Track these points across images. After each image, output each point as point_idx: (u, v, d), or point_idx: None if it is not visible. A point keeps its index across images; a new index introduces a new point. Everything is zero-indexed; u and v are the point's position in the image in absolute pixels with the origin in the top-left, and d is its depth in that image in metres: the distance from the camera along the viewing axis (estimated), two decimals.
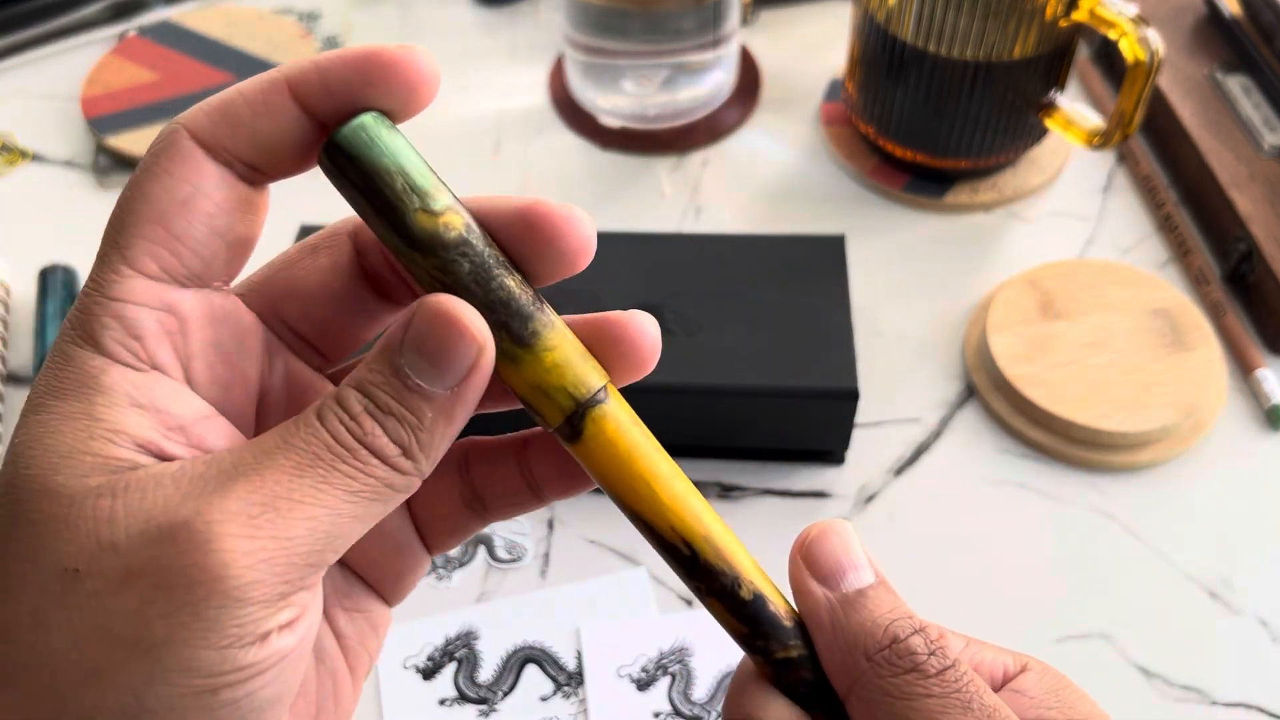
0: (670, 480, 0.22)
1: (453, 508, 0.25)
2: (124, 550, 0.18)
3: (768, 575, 0.23)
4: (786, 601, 0.23)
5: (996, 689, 0.23)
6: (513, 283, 0.21)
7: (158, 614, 0.18)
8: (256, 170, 0.21)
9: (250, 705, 0.19)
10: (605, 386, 0.22)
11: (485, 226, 0.21)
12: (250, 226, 0.21)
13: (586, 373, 0.22)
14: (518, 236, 0.22)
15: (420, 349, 0.20)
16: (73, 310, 0.21)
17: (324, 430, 0.20)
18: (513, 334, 0.21)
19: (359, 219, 0.23)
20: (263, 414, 0.23)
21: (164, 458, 0.20)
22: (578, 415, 0.22)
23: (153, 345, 0.20)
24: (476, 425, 0.23)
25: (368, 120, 0.20)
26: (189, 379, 0.21)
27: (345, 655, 0.25)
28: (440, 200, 0.20)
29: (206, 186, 0.20)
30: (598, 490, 0.23)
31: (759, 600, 0.23)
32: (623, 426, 0.22)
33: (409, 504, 0.25)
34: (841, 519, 0.24)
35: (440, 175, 0.21)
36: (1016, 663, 0.24)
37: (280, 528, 0.19)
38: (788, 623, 0.23)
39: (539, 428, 0.24)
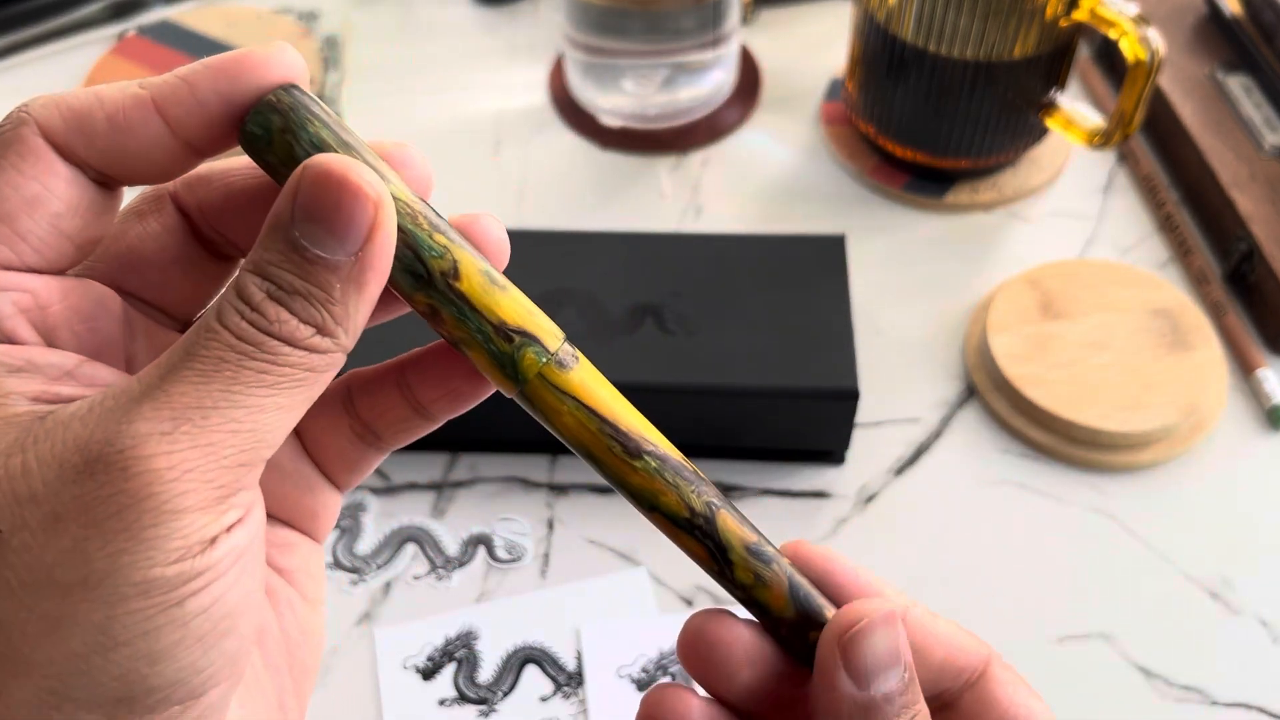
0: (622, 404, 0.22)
1: (346, 442, 0.25)
2: (44, 498, 0.18)
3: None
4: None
5: (956, 689, 0.24)
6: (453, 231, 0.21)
7: (96, 550, 0.18)
8: (108, 177, 0.20)
9: (221, 610, 0.19)
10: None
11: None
12: (101, 228, 0.21)
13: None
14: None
15: (313, 216, 0.19)
16: None
17: (225, 331, 0.19)
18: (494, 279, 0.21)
19: (174, 181, 0.22)
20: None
21: (60, 401, 0.19)
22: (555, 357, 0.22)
23: (10, 324, 0.20)
24: None
25: (272, 100, 0.20)
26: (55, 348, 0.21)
27: (294, 585, 0.25)
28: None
29: (56, 187, 0.20)
30: (600, 489, 0.23)
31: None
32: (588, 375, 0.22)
33: (303, 442, 0.25)
34: (891, 605, 0.22)
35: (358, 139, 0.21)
36: (978, 657, 0.24)
37: (199, 437, 0.18)
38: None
39: (414, 350, 0.24)
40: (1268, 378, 0.51)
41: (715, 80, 0.64)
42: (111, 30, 0.71)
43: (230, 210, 0.23)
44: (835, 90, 0.66)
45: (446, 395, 0.24)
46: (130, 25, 0.71)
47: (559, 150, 0.64)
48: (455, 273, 0.21)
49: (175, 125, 0.20)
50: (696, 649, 0.23)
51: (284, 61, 0.20)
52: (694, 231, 0.54)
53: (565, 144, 0.64)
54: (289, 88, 0.20)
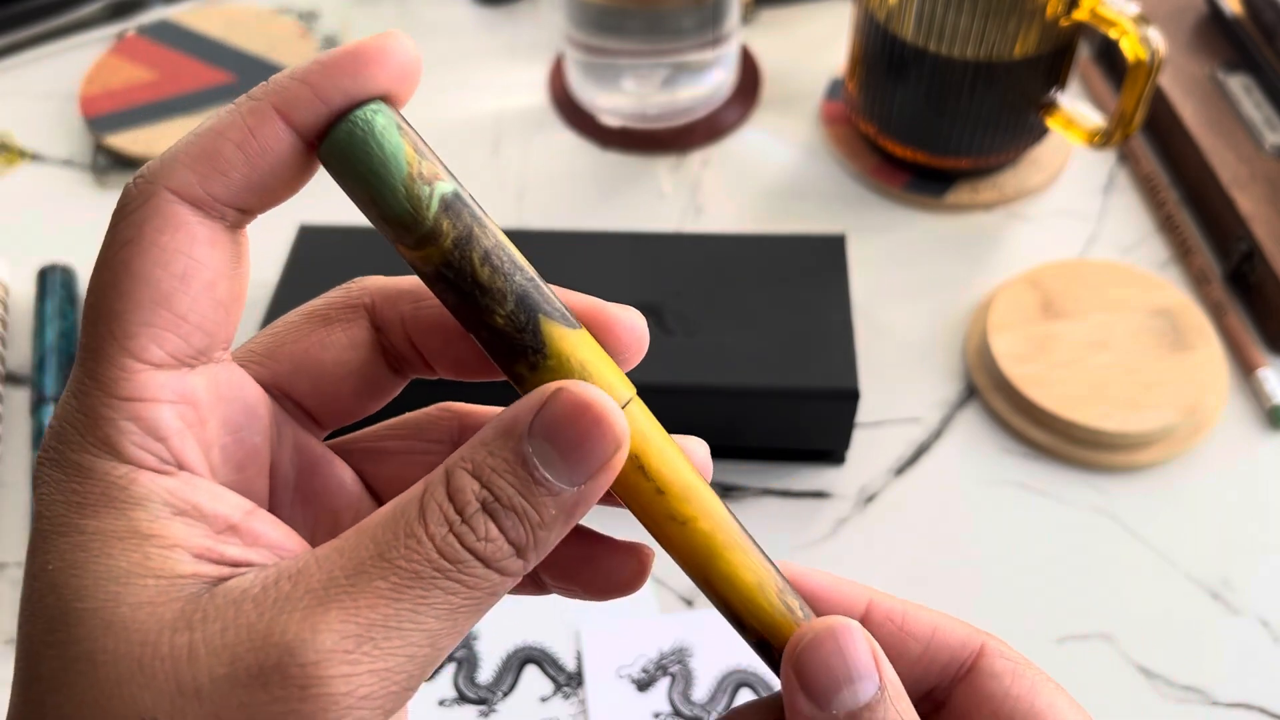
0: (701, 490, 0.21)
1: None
2: (209, 695, 0.16)
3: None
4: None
5: (946, 684, 0.22)
6: (534, 272, 0.20)
7: None
8: (247, 212, 0.19)
9: None
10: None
11: None
12: (241, 281, 0.20)
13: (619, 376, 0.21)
14: None
15: (554, 438, 0.18)
16: (72, 414, 0.18)
17: (427, 539, 0.18)
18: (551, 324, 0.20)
19: (372, 288, 0.22)
20: (274, 488, 0.22)
21: (224, 563, 0.18)
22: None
23: (178, 444, 0.18)
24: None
25: (361, 117, 0.19)
26: (210, 469, 0.19)
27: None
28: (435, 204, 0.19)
29: (201, 254, 0.18)
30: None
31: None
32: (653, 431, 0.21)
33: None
34: (845, 618, 0.21)
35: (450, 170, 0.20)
36: (966, 649, 0.22)
37: (378, 659, 0.17)
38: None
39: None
40: (1268, 378, 0.51)
41: (715, 80, 0.63)
42: (111, 30, 0.71)
43: (440, 329, 0.22)
44: (835, 90, 0.66)
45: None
46: (130, 25, 0.71)
47: (559, 150, 0.63)
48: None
49: (304, 131, 0.19)
50: None
51: (401, 51, 0.19)
52: (694, 231, 0.54)
53: (565, 144, 0.64)
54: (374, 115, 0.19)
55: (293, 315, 0.22)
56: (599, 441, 0.18)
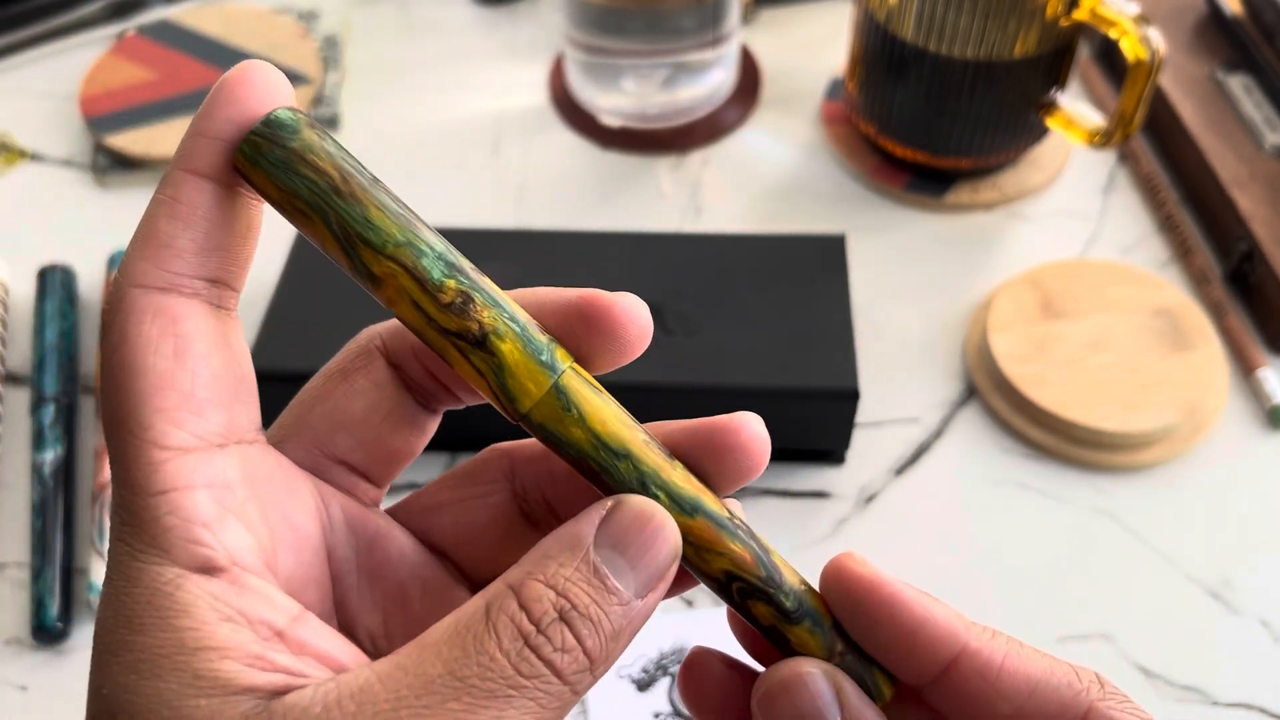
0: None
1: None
2: None
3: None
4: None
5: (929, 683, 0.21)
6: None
7: None
8: (219, 282, 0.19)
9: None
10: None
11: (539, 322, 0.21)
12: (244, 361, 0.20)
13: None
14: (575, 331, 0.21)
15: (621, 548, 0.19)
16: (118, 526, 0.18)
17: (500, 654, 0.17)
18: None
19: (379, 330, 0.22)
20: (334, 571, 0.21)
21: (277, 671, 0.17)
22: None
23: (220, 529, 0.18)
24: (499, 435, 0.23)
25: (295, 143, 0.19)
26: (263, 557, 0.19)
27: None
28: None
29: (186, 329, 0.19)
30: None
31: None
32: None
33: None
34: (816, 660, 0.21)
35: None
36: (947, 646, 0.21)
37: None
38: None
39: None
40: (1268, 378, 0.51)
41: (715, 80, 0.63)
42: (111, 30, 0.71)
43: None
44: (836, 90, 0.66)
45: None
46: (130, 25, 0.71)
47: (559, 150, 0.63)
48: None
49: (216, 175, 0.19)
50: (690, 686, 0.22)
51: (262, 71, 0.19)
52: (694, 231, 0.54)
53: (565, 144, 0.64)
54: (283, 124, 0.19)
55: (311, 382, 0.22)
56: (663, 549, 0.19)
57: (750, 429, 0.21)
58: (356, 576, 0.22)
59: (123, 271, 0.19)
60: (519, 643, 0.17)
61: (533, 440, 0.23)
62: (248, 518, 0.19)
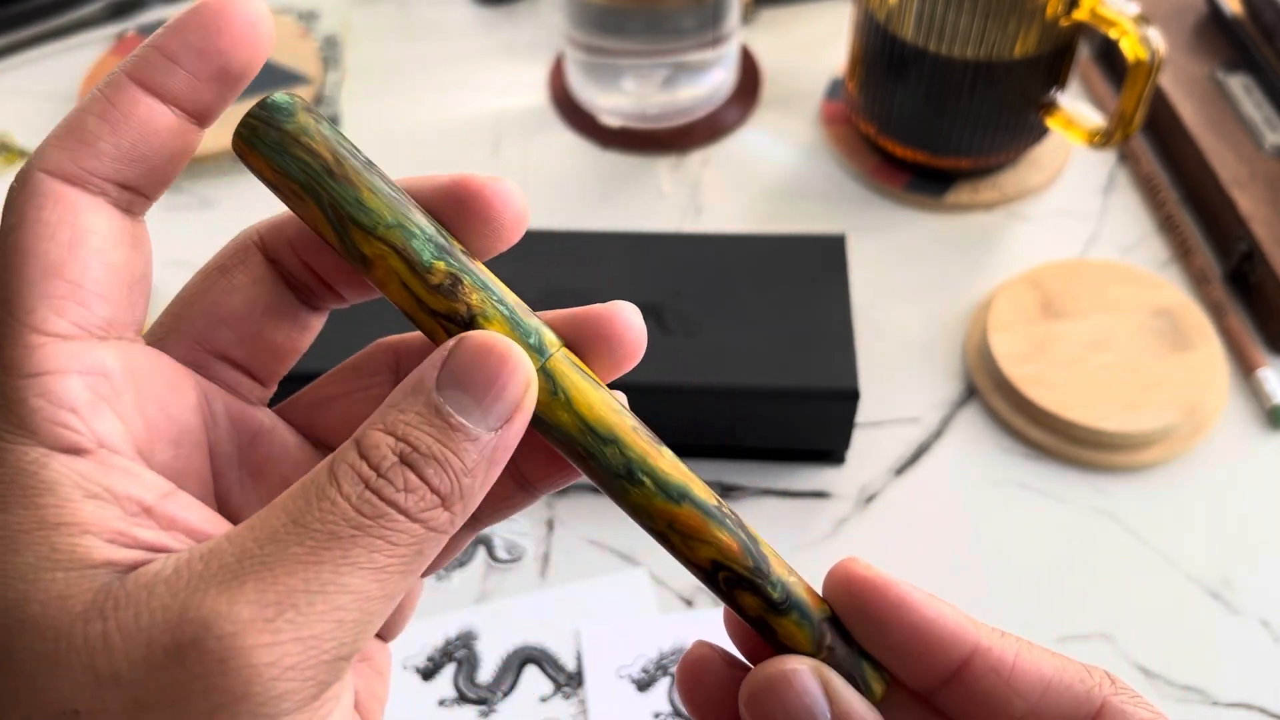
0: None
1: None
2: (128, 681, 0.16)
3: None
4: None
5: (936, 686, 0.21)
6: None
7: None
8: (130, 188, 0.19)
9: None
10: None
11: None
12: (142, 262, 0.20)
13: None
14: (449, 214, 0.21)
15: (465, 384, 0.18)
16: None
17: (341, 498, 0.17)
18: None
19: (258, 228, 0.22)
20: (215, 467, 0.21)
21: (138, 546, 0.18)
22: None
23: (90, 415, 0.18)
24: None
25: (291, 125, 0.19)
26: (136, 446, 0.19)
27: (361, 712, 0.23)
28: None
29: (85, 221, 0.18)
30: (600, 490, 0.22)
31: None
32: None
33: None
34: (803, 658, 0.20)
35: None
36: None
37: (302, 626, 0.17)
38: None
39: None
40: (1268, 378, 0.51)
41: (715, 80, 0.63)
42: (111, 30, 0.71)
43: (328, 247, 0.22)
44: (835, 90, 0.66)
45: (551, 465, 0.23)
46: (129, 25, 0.71)
47: (559, 150, 0.63)
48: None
49: (163, 94, 0.19)
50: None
51: (245, 7, 0.19)
52: (694, 231, 0.54)
53: (565, 144, 0.64)
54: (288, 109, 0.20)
55: (191, 280, 0.22)
56: (509, 380, 0.19)
57: (624, 317, 0.21)
58: (239, 472, 0.22)
59: (36, 154, 0.19)
60: (359, 487, 0.18)
61: (418, 333, 0.23)
62: (122, 407, 0.19)
